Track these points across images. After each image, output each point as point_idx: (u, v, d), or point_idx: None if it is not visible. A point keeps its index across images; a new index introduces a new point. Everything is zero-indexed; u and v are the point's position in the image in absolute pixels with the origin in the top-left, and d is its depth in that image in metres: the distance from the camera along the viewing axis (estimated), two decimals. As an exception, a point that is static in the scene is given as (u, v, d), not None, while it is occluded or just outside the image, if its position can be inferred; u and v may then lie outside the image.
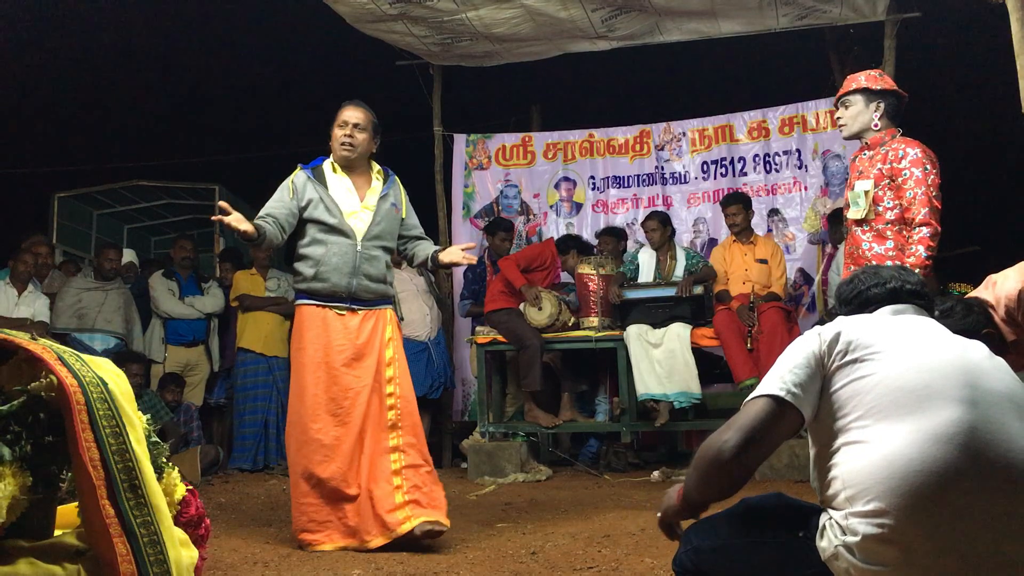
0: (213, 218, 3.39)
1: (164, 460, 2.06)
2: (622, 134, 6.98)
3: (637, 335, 5.29)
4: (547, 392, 5.60)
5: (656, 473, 5.05)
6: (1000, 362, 1.57)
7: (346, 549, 3.22)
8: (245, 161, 10.21)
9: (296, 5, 6.65)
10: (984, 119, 8.50)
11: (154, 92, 9.65)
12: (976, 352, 1.57)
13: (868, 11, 5.81)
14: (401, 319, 5.87)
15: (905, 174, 3.25)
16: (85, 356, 1.93)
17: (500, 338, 5.50)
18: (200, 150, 9.99)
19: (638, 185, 6.91)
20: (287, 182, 3.53)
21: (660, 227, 5.77)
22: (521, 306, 5.48)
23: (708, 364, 5.57)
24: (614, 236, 6.21)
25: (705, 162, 6.78)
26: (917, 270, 3.10)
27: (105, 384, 1.86)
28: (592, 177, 7.00)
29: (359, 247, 3.47)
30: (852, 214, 3.39)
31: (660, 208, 6.59)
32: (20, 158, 9.68)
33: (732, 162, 6.71)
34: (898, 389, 1.47)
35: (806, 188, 6.47)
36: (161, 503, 1.89)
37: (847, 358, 1.55)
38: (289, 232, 3.50)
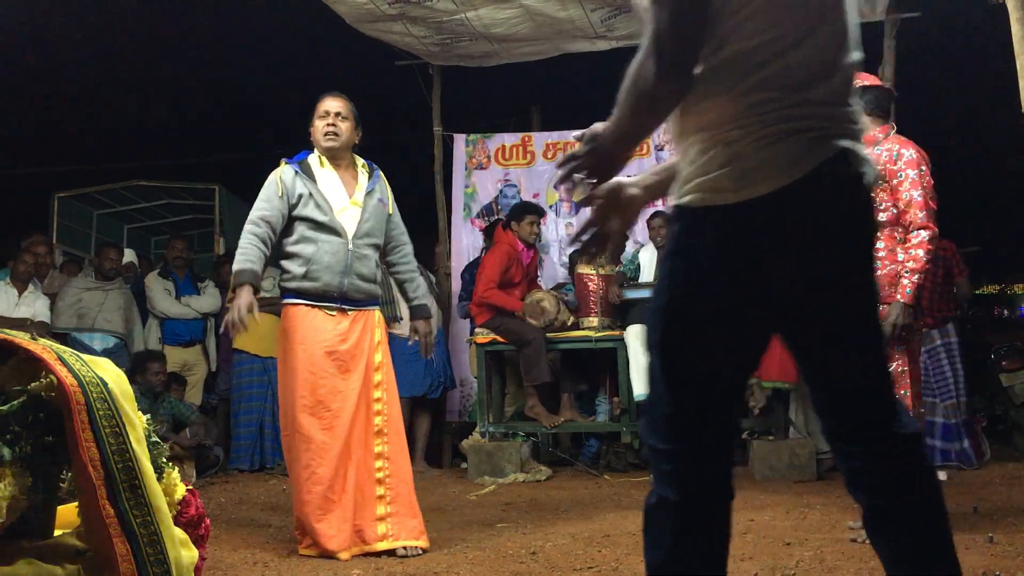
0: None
1: (164, 460, 2.07)
2: (622, 134, 6.97)
3: (637, 335, 5.29)
4: (547, 392, 5.60)
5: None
6: None
7: (324, 557, 3.15)
8: (245, 161, 10.21)
9: (296, 5, 6.65)
10: (984, 119, 8.50)
11: (155, 92, 9.65)
12: None
13: (868, 11, 5.80)
14: (400, 319, 5.91)
15: (900, 176, 3.20)
16: (85, 356, 1.94)
17: (500, 338, 5.50)
18: (200, 150, 9.99)
19: (638, 185, 6.90)
20: (274, 179, 3.40)
21: (666, 225, 5.79)
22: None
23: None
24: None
25: (705, 162, 6.77)
26: (917, 275, 3.10)
27: (105, 384, 1.87)
28: (592, 177, 6.98)
29: (350, 245, 3.39)
30: None
31: (660, 208, 6.58)
32: (20, 158, 9.68)
33: (732, 162, 6.70)
34: None
35: (806, 188, 6.47)
36: (161, 503, 1.89)
37: None
38: (278, 234, 3.41)
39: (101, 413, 1.81)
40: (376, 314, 3.49)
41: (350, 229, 3.40)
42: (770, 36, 1.39)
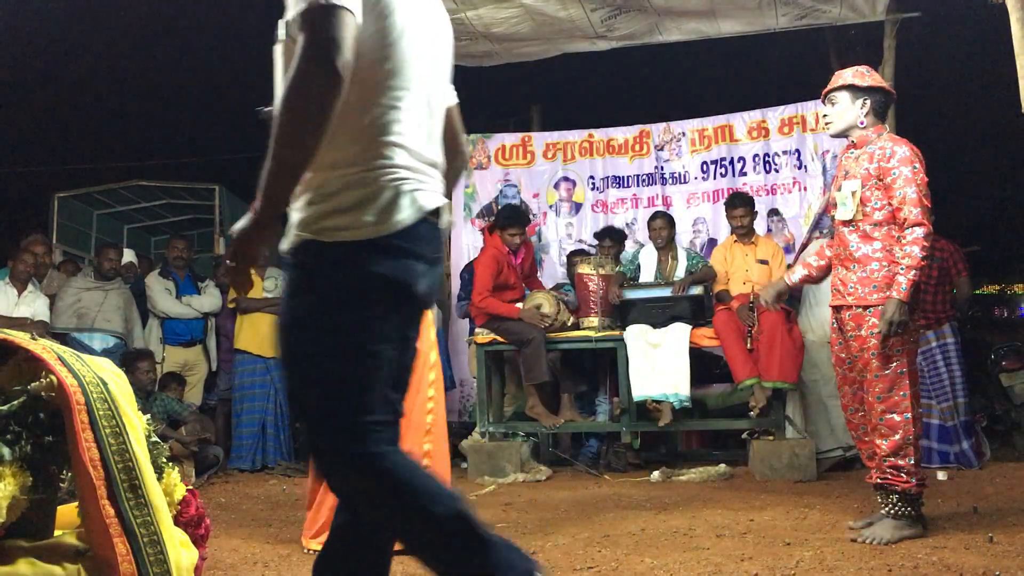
0: None
1: (164, 460, 2.07)
2: (621, 134, 6.98)
3: (637, 335, 5.29)
4: (547, 392, 5.60)
5: (656, 473, 5.05)
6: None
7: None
8: (245, 161, 10.22)
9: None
10: (984, 119, 8.50)
11: (154, 92, 9.65)
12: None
13: (868, 11, 5.80)
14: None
15: (894, 173, 3.18)
16: (85, 356, 1.94)
17: (500, 338, 5.50)
18: (200, 150, 10.00)
19: (637, 185, 6.91)
20: None
21: (668, 227, 5.78)
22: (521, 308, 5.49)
23: (708, 364, 5.56)
24: (613, 237, 6.21)
25: (705, 162, 6.78)
26: (913, 272, 3.08)
27: (105, 384, 1.87)
28: (592, 177, 7.00)
29: None
30: (840, 215, 3.34)
31: (660, 208, 6.59)
32: (20, 158, 9.69)
33: (732, 162, 6.71)
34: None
35: (805, 188, 6.47)
36: (161, 503, 1.89)
37: None
38: None
39: (101, 413, 1.81)
40: (430, 312, 3.44)
41: None
42: (402, 95, 1.63)
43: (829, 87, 3.44)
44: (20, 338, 1.89)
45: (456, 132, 1.92)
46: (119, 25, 7.89)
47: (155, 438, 2.05)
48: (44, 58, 8.43)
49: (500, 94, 8.11)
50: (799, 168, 6.51)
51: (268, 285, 6.29)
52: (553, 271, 6.88)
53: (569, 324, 5.56)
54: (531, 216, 6.98)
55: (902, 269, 3.10)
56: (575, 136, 7.07)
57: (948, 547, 2.89)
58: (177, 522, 2.02)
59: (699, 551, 2.98)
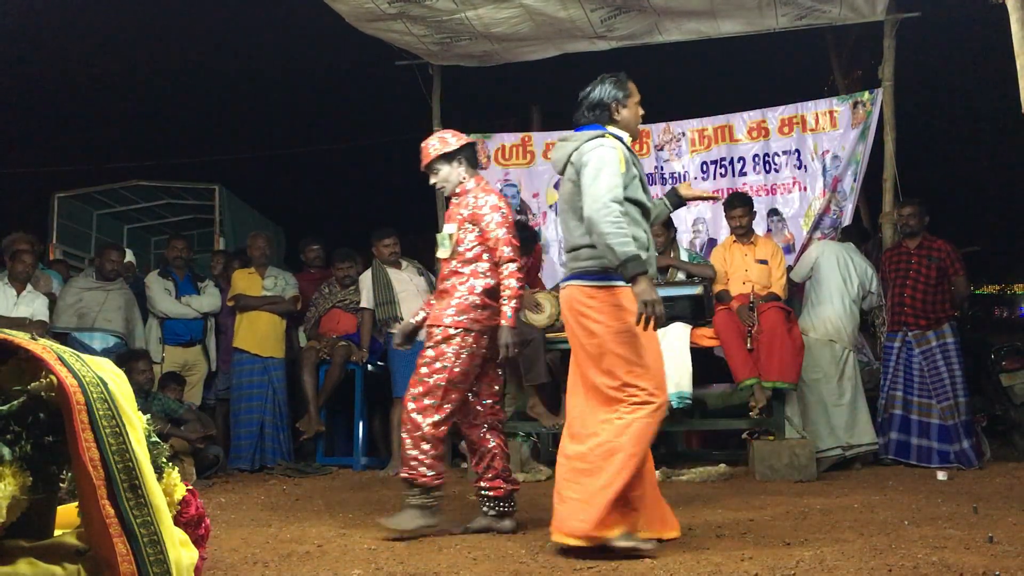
0: None
1: (164, 460, 2.07)
2: (622, 134, 6.98)
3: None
4: (547, 392, 5.60)
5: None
6: None
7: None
8: (245, 161, 10.22)
9: (296, 5, 6.66)
10: (984, 119, 8.51)
11: (154, 92, 9.66)
12: None
13: (867, 11, 5.81)
14: (400, 319, 5.91)
15: (487, 219, 3.57)
16: (85, 356, 1.94)
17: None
18: (200, 150, 10.00)
19: (638, 185, 6.91)
20: (616, 156, 3.16)
21: (663, 232, 5.78)
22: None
23: (708, 364, 5.56)
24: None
25: (704, 162, 6.78)
26: (514, 301, 3.47)
27: (105, 384, 1.87)
28: (592, 177, 7.00)
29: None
30: (439, 254, 3.72)
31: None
32: (20, 158, 9.69)
33: (731, 162, 6.71)
34: None
35: (805, 188, 6.47)
36: (161, 503, 1.89)
37: None
38: None
39: (101, 413, 1.81)
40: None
41: None
42: None
43: (425, 163, 3.74)
44: (20, 338, 1.89)
45: None
46: (120, 25, 7.89)
47: (155, 438, 2.05)
48: (45, 58, 8.43)
49: (500, 94, 8.11)
50: (799, 168, 6.51)
51: (267, 284, 6.29)
52: (553, 271, 6.87)
53: (569, 324, 5.55)
54: (531, 216, 6.97)
55: (505, 300, 3.49)
56: (575, 136, 7.07)
57: (948, 547, 2.89)
58: (177, 522, 2.02)
59: (699, 551, 2.98)
